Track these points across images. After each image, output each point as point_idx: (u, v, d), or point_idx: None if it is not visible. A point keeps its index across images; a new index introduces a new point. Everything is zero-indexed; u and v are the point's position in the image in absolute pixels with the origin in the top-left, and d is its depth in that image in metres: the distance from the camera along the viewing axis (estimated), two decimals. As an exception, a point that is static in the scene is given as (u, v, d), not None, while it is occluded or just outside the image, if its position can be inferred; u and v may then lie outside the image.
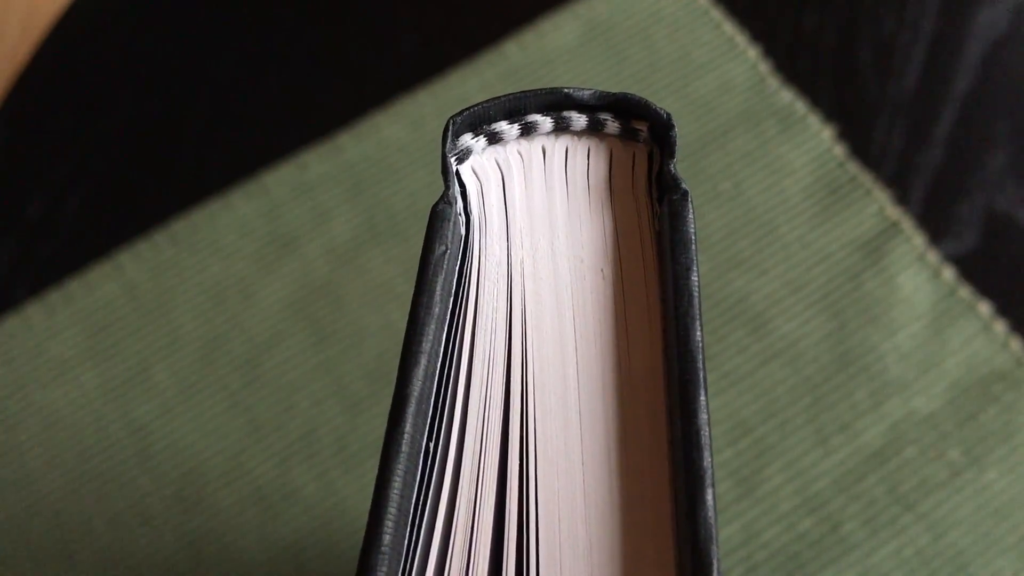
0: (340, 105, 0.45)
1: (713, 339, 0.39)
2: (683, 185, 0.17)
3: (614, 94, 0.18)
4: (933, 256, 0.40)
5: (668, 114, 0.18)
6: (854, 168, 0.42)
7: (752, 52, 0.44)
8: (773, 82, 0.44)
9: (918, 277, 0.40)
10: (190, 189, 0.43)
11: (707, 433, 0.15)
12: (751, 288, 0.40)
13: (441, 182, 0.46)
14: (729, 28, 0.45)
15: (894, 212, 0.41)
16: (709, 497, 0.14)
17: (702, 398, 0.15)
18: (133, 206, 0.44)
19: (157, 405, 0.40)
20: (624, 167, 0.18)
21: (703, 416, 0.15)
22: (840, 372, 0.39)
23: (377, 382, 0.40)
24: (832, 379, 0.39)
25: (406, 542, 0.16)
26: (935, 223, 0.41)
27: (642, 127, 0.18)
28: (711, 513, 0.14)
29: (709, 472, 0.14)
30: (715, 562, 0.14)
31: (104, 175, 0.44)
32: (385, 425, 0.39)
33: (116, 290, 0.42)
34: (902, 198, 0.41)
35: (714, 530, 0.14)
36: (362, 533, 0.39)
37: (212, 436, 0.39)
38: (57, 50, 0.47)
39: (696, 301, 0.16)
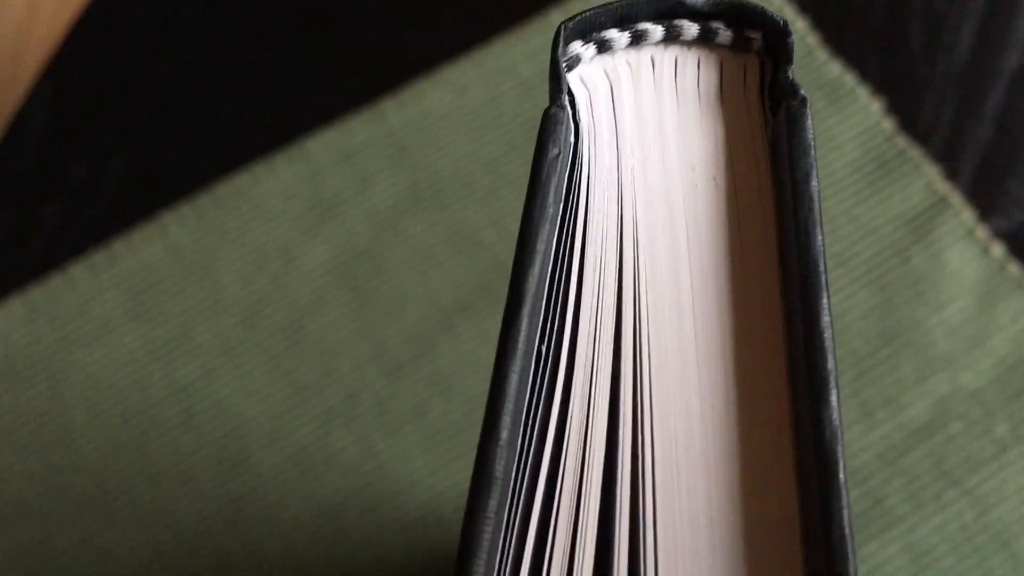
0: (384, 72, 0.45)
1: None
2: (801, 92, 0.17)
3: (729, 1, 0.18)
4: (982, 232, 0.40)
5: (785, 21, 0.18)
6: (902, 142, 0.42)
7: (801, 23, 0.44)
8: (822, 54, 0.43)
9: (966, 253, 0.40)
10: (233, 153, 0.43)
11: (830, 335, 0.15)
12: (796, 261, 0.40)
13: (485, 147, 0.46)
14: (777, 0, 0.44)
15: (943, 187, 0.41)
16: (834, 398, 0.14)
17: (824, 301, 0.15)
18: (176, 169, 0.44)
19: (199, 366, 0.40)
20: (735, 78, 0.18)
21: (826, 319, 0.15)
22: (886, 346, 0.38)
23: (417, 347, 0.40)
24: (877, 353, 0.38)
25: (521, 440, 0.16)
26: (984, 199, 0.41)
27: (756, 35, 0.18)
28: (836, 414, 0.14)
29: (833, 374, 0.14)
30: (841, 461, 0.14)
31: (148, 138, 0.45)
32: (424, 392, 0.39)
33: (159, 252, 0.42)
34: (951, 173, 0.41)
35: (840, 431, 0.14)
36: (400, 497, 0.39)
37: (254, 398, 0.39)
38: (101, 15, 0.47)
39: (817, 206, 0.16)
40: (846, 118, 0.42)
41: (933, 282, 0.39)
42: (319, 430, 0.39)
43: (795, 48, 0.43)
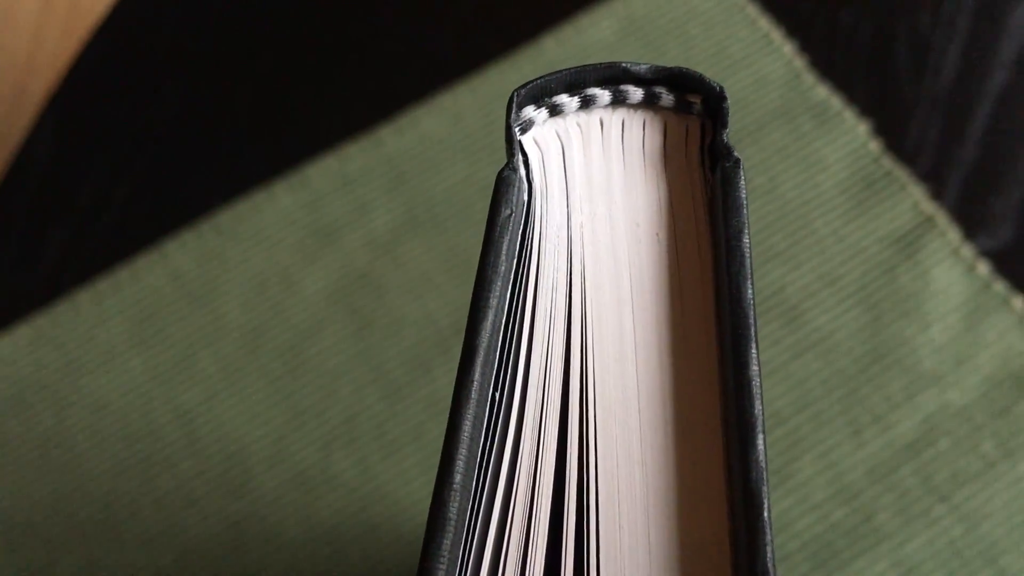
0: (381, 99, 0.46)
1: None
2: (735, 153, 0.18)
3: (669, 68, 0.19)
4: (968, 251, 0.40)
5: (721, 87, 0.19)
6: (889, 163, 0.42)
7: (788, 48, 0.45)
8: (809, 78, 0.44)
9: (952, 271, 0.40)
10: (235, 180, 0.44)
11: (758, 383, 0.16)
12: (785, 281, 0.41)
13: (481, 171, 0.47)
14: (765, 24, 0.45)
15: (929, 207, 0.41)
16: (760, 442, 0.15)
17: (753, 351, 0.16)
18: (179, 197, 0.45)
19: (202, 391, 0.41)
20: (677, 138, 0.19)
21: (754, 367, 0.16)
22: (874, 364, 0.39)
23: (416, 370, 0.41)
24: (866, 371, 0.39)
25: (474, 482, 0.17)
26: (970, 218, 0.41)
27: (696, 100, 0.19)
28: (762, 456, 0.15)
29: (760, 419, 0.15)
30: (766, 501, 0.14)
31: (151, 166, 0.46)
32: (422, 414, 0.40)
33: (163, 278, 0.43)
34: (937, 193, 0.42)
35: (765, 473, 0.15)
36: (399, 517, 0.40)
37: (255, 421, 0.40)
38: (106, 43, 0.48)
39: (748, 261, 0.17)
40: (833, 140, 0.43)
41: (920, 301, 0.40)
42: (319, 452, 0.40)
43: (783, 71, 0.44)
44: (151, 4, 0.49)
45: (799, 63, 0.44)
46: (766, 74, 0.44)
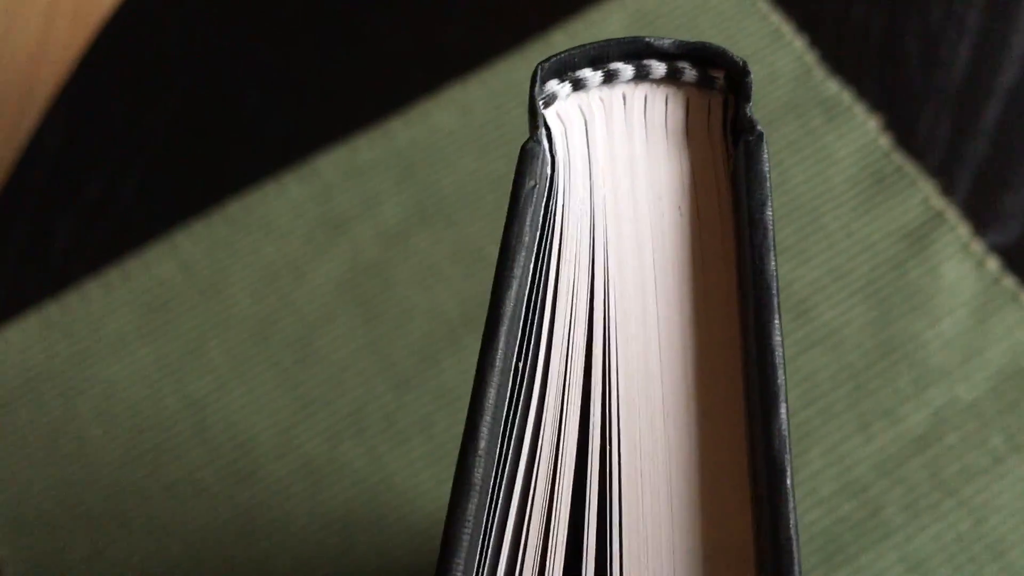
0: (391, 91, 0.46)
1: (756, 324, 0.40)
2: (758, 127, 0.18)
3: (693, 43, 0.19)
4: (977, 246, 0.40)
5: (744, 61, 0.19)
6: (899, 158, 0.42)
7: (798, 42, 0.45)
8: (819, 72, 0.44)
9: (962, 266, 0.40)
10: (245, 171, 0.44)
11: (781, 353, 0.16)
12: (795, 275, 0.41)
13: (490, 164, 0.47)
14: (775, 18, 0.45)
15: (939, 202, 0.41)
16: (783, 411, 0.15)
17: (776, 321, 0.16)
18: (189, 187, 0.45)
19: (211, 380, 0.41)
20: (700, 113, 0.19)
21: (777, 337, 0.16)
22: (883, 359, 0.39)
23: (424, 361, 0.41)
24: (874, 366, 0.39)
25: (498, 449, 0.17)
26: (980, 213, 0.41)
27: (718, 75, 0.19)
28: (785, 425, 0.15)
29: (783, 389, 0.15)
30: (788, 469, 0.15)
31: (161, 157, 0.46)
32: (430, 404, 0.40)
33: (172, 269, 0.43)
34: (947, 188, 0.42)
35: (788, 442, 0.15)
36: (407, 507, 0.40)
37: (264, 411, 0.40)
38: (116, 35, 0.48)
39: (771, 234, 0.17)
40: (844, 134, 0.43)
41: (929, 295, 0.40)
42: (328, 442, 0.40)
43: (794, 66, 0.44)
44: (162, -5, 0.49)
45: (810, 58, 0.44)
46: (777, 69, 0.44)
